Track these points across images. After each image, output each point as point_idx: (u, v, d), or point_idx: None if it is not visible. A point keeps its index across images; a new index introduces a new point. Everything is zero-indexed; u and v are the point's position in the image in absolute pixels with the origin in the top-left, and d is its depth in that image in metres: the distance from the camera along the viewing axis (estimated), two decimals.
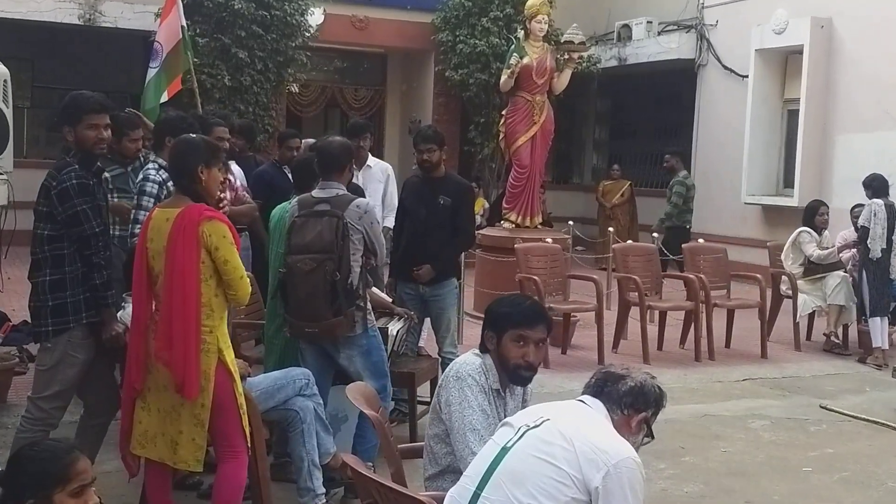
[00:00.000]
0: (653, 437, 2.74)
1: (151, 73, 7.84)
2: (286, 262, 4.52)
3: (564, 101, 15.06)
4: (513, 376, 3.23)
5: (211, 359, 3.65)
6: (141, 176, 5.01)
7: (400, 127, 16.15)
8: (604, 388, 2.72)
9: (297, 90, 15.07)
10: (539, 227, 9.85)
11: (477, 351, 3.28)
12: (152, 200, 4.74)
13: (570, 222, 11.65)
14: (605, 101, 17.65)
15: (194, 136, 3.94)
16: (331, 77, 16.05)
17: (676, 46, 14.39)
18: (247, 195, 6.36)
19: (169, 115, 5.35)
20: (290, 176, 6.95)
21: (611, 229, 11.17)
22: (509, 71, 9.33)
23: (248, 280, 3.78)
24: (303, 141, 7.37)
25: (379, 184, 6.78)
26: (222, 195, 4.06)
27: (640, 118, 16.85)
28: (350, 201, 4.61)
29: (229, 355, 3.74)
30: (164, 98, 7.82)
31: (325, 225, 4.47)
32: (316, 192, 4.68)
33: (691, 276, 8.36)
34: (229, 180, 6.13)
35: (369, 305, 4.77)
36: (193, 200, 3.71)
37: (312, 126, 16.96)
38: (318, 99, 15.64)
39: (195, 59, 11.76)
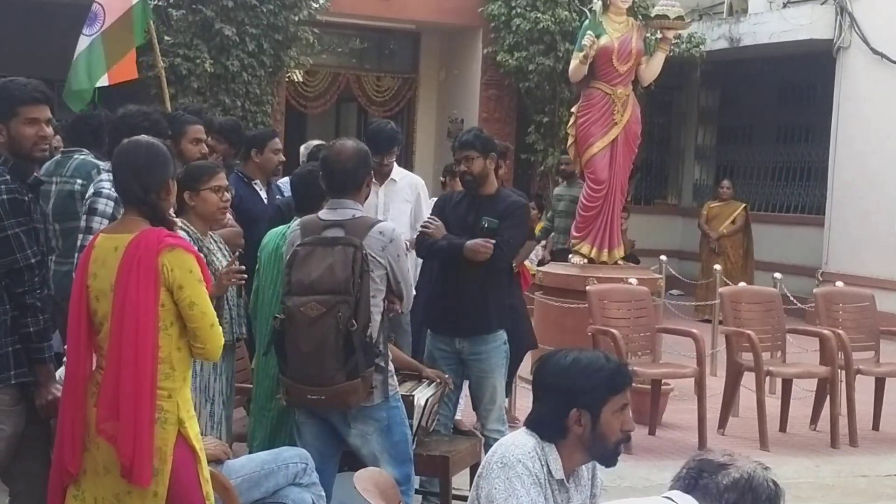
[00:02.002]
0: None
1: (83, 43, 7.69)
2: (285, 307, 4.54)
3: (656, 95, 15.12)
4: (612, 456, 3.30)
5: (168, 433, 3.68)
6: (92, 190, 5.08)
7: (437, 128, 16.25)
8: (698, 480, 2.70)
9: (301, 78, 15.19)
10: (620, 262, 9.81)
11: (529, 430, 3.28)
12: (105, 223, 4.78)
13: (663, 257, 11.59)
14: (712, 94, 17.68)
15: (162, 141, 4.01)
16: (346, 62, 16.23)
17: (808, 23, 14.34)
18: (230, 216, 6.42)
19: (129, 111, 5.42)
20: (262, 194, 6.97)
21: (717, 267, 11.09)
22: (582, 54, 9.33)
23: (220, 331, 3.82)
24: (307, 144, 7.42)
25: (406, 204, 6.81)
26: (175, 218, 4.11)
27: (758, 118, 16.83)
28: (371, 226, 4.64)
29: (192, 428, 3.77)
30: (104, 82, 7.66)
31: (338, 257, 4.49)
32: (325, 214, 4.71)
33: (826, 331, 8.26)
34: None
35: (391, 366, 4.79)
36: (151, 223, 3.76)
37: (320, 126, 17.14)
38: (329, 90, 15.80)
39: (167, 38, 12.07)
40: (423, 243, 5.89)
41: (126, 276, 3.66)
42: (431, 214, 6.10)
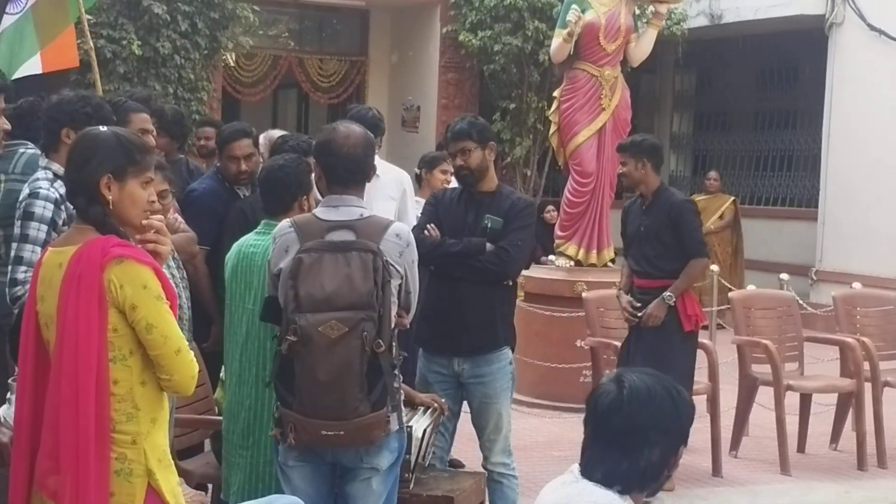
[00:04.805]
0: None
1: (7, 23, 7.21)
2: (296, 326, 4.11)
3: (629, 78, 14.83)
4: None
5: (135, 486, 3.38)
6: (27, 191, 4.75)
7: (389, 116, 15.80)
8: None
9: (237, 62, 14.84)
10: (610, 265, 9.58)
11: (606, 488, 2.85)
12: (45, 230, 4.51)
13: None
14: (689, 77, 17.59)
15: (104, 128, 3.60)
16: (285, 44, 15.88)
17: None
18: (180, 219, 6.02)
19: (65, 97, 5.07)
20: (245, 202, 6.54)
21: (715, 268, 10.81)
22: (566, 32, 9.12)
23: (192, 356, 3.49)
24: (266, 133, 7.03)
25: (391, 201, 6.52)
26: (149, 219, 3.64)
27: (738, 103, 16.72)
28: (385, 227, 4.31)
29: (167, 480, 3.46)
30: (35, 68, 7.15)
31: (356, 265, 4.14)
32: (324, 212, 4.35)
33: (850, 340, 8.07)
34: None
35: (401, 389, 4.50)
36: (99, 231, 3.41)
37: (255, 115, 16.83)
38: (268, 75, 15.48)
39: (89, 17, 11.59)
40: (422, 245, 5.50)
41: (65, 297, 3.34)
42: (423, 216, 5.74)
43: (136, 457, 3.38)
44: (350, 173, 4.33)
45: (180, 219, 6.04)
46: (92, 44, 8.07)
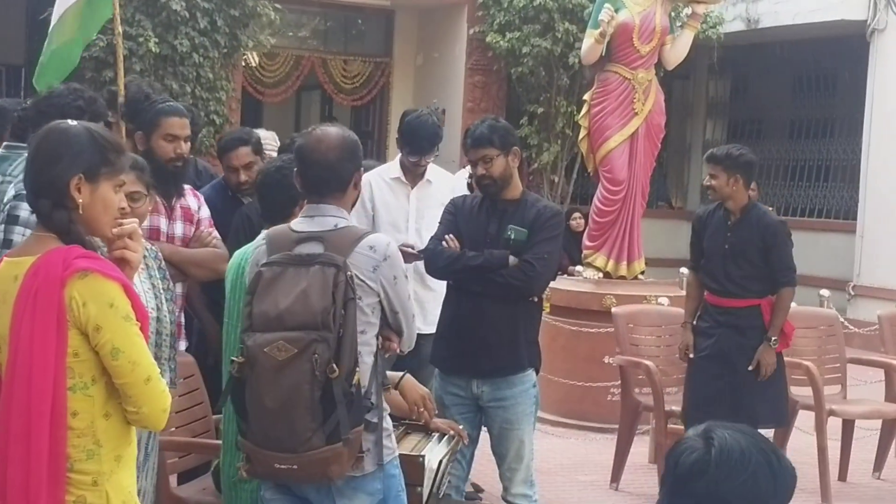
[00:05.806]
0: None
1: (62, 6, 6.94)
2: (245, 346, 3.82)
3: (661, 83, 14.59)
4: None
5: None
6: (12, 192, 4.53)
7: None
8: None
9: (258, 62, 14.66)
10: (641, 277, 9.24)
11: None
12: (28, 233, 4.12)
13: (684, 270, 10.88)
14: (723, 83, 17.39)
15: (73, 122, 3.22)
16: (309, 44, 15.72)
17: (838, 1, 13.91)
18: (214, 233, 5.60)
19: (56, 90, 4.87)
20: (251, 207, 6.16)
21: None
22: (598, 32, 8.83)
23: (165, 386, 3.13)
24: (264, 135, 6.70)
25: (443, 208, 6.16)
26: (121, 227, 3.24)
27: (775, 110, 16.46)
28: (358, 239, 3.92)
29: None
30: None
31: (315, 280, 3.77)
32: (299, 223, 4.01)
33: (893, 361, 7.66)
34: (186, 207, 5.43)
35: (388, 421, 4.08)
36: (62, 240, 3.05)
37: (277, 116, 16.73)
38: (290, 75, 15.32)
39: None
40: (440, 257, 5.11)
41: (19, 315, 2.99)
42: (441, 225, 5.36)
43: (97, 500, 3.05)
44: (323, 181, 3.94)
45: (215, 233, 5.63)
46: (101, 42, 7.75)
